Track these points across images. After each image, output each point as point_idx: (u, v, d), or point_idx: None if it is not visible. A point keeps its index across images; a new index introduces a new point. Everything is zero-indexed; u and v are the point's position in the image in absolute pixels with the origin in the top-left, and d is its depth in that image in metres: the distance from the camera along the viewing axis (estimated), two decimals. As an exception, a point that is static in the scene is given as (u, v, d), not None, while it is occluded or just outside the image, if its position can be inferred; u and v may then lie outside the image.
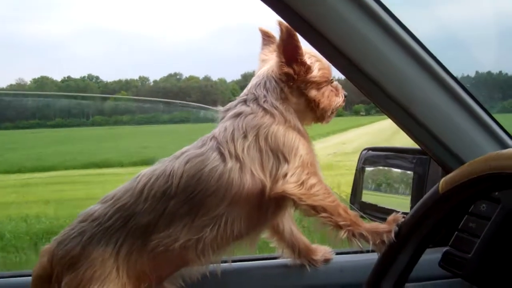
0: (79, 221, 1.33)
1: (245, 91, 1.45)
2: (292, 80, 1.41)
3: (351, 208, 1.95)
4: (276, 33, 1.52)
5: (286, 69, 1.39)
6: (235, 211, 1.30)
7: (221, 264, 1.42)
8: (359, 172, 1.95)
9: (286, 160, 1.31)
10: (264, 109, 1.37)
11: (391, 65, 1.34)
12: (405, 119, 1.41)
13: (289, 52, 1.38)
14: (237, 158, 1.30)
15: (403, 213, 1.67)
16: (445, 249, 1.34)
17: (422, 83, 1.37)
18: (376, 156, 1.93)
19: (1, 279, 1.54)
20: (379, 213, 1.82)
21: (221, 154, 1.30)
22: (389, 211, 1.76)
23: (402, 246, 1.19)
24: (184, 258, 1.32)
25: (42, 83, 20.95)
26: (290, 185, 1.28)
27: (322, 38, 1.27)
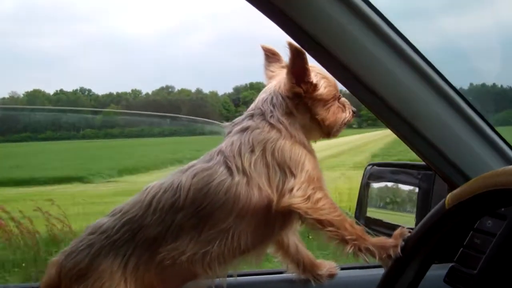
0: (87, 233, 1.35)
1: (252, 106, 1.47)
2: (299, 98, 1.43)
3: (357, 223, 1.96)
4: (275, 47, 1.57)
5: (297, 89, 1.41)
6: (242, 224, 1.31)
7: (227, 278, 1.42)
8: (364, 187, 1.96)
9: (293, 175, 1.32)
10: (271, 124, 1.39)
11: (395, 79, 1.35)
12: (410, 134, 1.42)
13: (297, 72, 1.40)
14: (244, 172, 1.31)
15: (409, 228, 1.68)
16: (450, 265, 1.34)
17: (426, 98, 1.39)
18: (380, 172, 1.93)
19: None
20: (384, 228, 1.82)
21: (229, 168, 1.32)
22: (394, 227, 1.76)
23: (409, 261, 1.20)
24: (191, 271, 1.33)
25: (34, 96, 21.04)
26: (296, 199, 1.29)
27: (326, 52, 1.28)
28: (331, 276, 1.53)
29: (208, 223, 1.30)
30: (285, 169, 1.33)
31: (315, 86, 1.43)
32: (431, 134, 1.41)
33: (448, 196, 1.10)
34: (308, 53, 1.35)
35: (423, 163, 1.59)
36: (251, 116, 1.43)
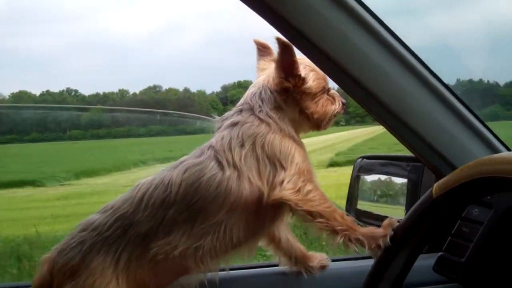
0: (79, 230, 1.35)
1: (241, 100, 1.48)
2: (288, 92, 1.44)
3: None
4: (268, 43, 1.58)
5: (286, 84, 1.42)
6: (233, 218, 1.32)
7: (219, 273, 1.43)
8: (354, 180, 1.97)
9: (283, 167, 1.34)
10: (260, 119, 1.40)
11: (385, 74, 1.37)
12: (398, 126, 1.44)
13: (286, 66, 1.41)
14: (234, 166, 1.32)
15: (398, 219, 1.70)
16: (439, 254, 1.36)
17: (414, 91, 1.41)
18: (370, 164, 1.95)
19: None
20: (374, 220, 1.83)
21: (219, 163, 1.33)
22: (384, 218, 1.78)
23: (397, 250, 1.21)
24: (183, 266, 1.34)
25: (19, 97, 20.94)
26: (287, 192, 1.30)
27: (316, 48, 1.30)
28: (323, 267, 1.54)
29: (200, 218, 1.31)
30: (275, 162, 1.34)
31: (303, 80, 1.44)
32: (420, 127, 1.44)
33: (435, 185, 1.11)
34: (299, 49, 1.36)
35: (412, 155, 1.61)
36: (240, 111, 1.44)
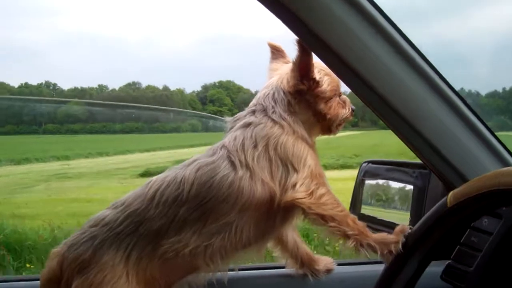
0: (90, 225, 1.35)
1: (254, 101, 1.48)
2: (302, 94, 1.45)
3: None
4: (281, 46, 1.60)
5: (301, 86, 1.44)
6: (244, 218, 1.32)
7: (228, 272, 1.44)
8: (359, 184, 1.98)
9: (295, 170, 1.34)
10: (273, 120, 1.41)
11: (398, 80, 1.37)
12: (409, 133, 1.44)
13: (302, 69, 1.42)
14: (247, 166, 1.33)
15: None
16: (447, 262, 1.37)
17: (427, 99, 1.41)
18: (376, 169, 1.96)
19: (10, 282, 1.53)
20: (378, 225, 1.84)
21: (232, 163, 1.33)
22: (388, 224, 1.80)
23: (408, 258, 1.22)
24: (193, 264, 1.34)
25: None
26: (300, 194, 1.31)
27: (331, 53, 1.29)
28: (328, 271, 1.56)
29: (211, 217, 1.31)
30: (288, 165, 1.35)
31: (318, 83, 1.45)
32: (429, 134, 1.44)
33: (450, 194, 1.12)
34: (314, 52, 1.36)
35: (418, 161, 1.62)
36: (253, 112, 1.44)
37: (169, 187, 1.33)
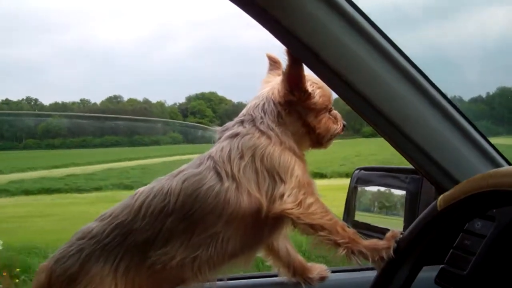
0: (77, 238, 1.33)
1: (243, 111, 1.47)
2: (292, 105, 1.44)
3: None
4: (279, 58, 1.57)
5: (291, 97, 1.42)
6: (231, 229, 1.31)
7: (217, 282, 1.42)
8: (352, 191, 1.97)
9: (282, 181, 1.33)
10: (261, 131, 1.39)
11: (385, 85, 1.37)
12: (399, 138, 1.44)
13: (293, 80, 1.41)
14: (233, 178, 1.31)
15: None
16: (440, 266, 1.36)
17: (415, 103, 1.41)
18: (368, 175, 1.95)
19: None
20: (372, 231, 1.83)
21: (218, 174, 1.32)
22: (382, 230, 1.79)
23: (401, 263, 1.21)
24: (181, 275, 1.32)
25: None
26: (288, 205, 1.29)
27: (316, 58, 1.30)
28: (322, 279, 1.54)
29: (198, 228, 1.30)
30: (275, 175, 1.33)
31: (309, 95, 1.44)
32: (419, 138, 1.43)
33: (440, 197, 1.11)
34: (302, 60, 1.36)
35: (410, 167, 1.61)
36: (242, 122, 1.43)
37: (155, 198, 1.32)
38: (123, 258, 1.28)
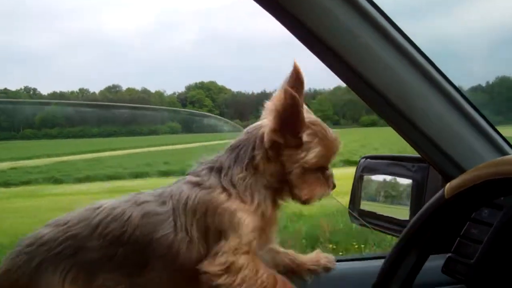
0: (26, 245, 1.30)
1: (219, 153, 1.38)
2: (275, 149, 1.29)
3: (350, 215, 1.97)
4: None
5: (276, 138, 1.26)
6: (181, 277, 1.29)
7: None
8: (357, 180, 1.96)
9: (225, 239, 1.26)
10: (222, 187, 1.30)
11: (392, 73, 1.36)
12: (406, 126, 1.43)
13: (288, 121, 1.24)
14: (186, 231, 1.27)
15: (403, 220, 1.69)
16: (447, 255, 1.36)
17: (423, 91, 1.40)
18: (374, 164, 1.94)
19: None
20: (378, 220, 1.83)
21: (175, 223, 1.28)
22: (388, 219, 1.78)
23: (408, 251, 1.20)
24: None
25: None
26: (214, 268, 1.24)
27: (326, 48, 1.29)
28: (327, 269, 1.52)
29: (147, 268, 1.27)
30: (222, 232, 1.27)
31: (300, 145, 1.27)
32: (427, 127, 1.43)
33: (447, 185, 1.10)
34: (307, 47, 1.34)
35: (417, 155, 1.60)
36: (211, 169, 1.34)
37: (115, 221, 1.28)
38: (70, 271, 1.26)
